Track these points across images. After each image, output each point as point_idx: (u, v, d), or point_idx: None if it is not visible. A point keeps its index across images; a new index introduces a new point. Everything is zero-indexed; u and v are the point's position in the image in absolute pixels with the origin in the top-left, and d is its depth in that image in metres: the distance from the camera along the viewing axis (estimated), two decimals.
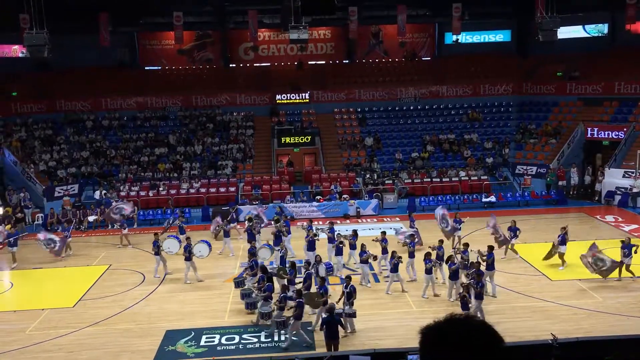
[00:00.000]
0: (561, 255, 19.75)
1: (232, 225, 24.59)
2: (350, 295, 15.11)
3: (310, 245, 19.95)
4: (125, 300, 18.17)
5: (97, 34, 34.40)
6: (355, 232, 20.45)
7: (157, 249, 20.03)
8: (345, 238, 19.92)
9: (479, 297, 15.28)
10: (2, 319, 17.15)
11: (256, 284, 16.82)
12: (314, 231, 20.40)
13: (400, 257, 18.06)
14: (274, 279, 17.41)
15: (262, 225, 23.51)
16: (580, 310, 16.17)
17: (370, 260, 18.63)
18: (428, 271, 17.40)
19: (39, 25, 26.47)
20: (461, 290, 15.40)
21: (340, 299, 15.39)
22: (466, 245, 18.61)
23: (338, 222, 27.23)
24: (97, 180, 31.86)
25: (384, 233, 20.20)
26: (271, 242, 20.62)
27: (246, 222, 22.25)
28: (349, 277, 15.82)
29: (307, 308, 15.44)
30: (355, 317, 15.10)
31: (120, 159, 33.82)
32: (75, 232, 27.02)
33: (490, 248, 18.10)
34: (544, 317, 15.82)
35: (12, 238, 22.64)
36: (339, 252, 19.48)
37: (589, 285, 17.95)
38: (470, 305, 14.94)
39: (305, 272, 16.91)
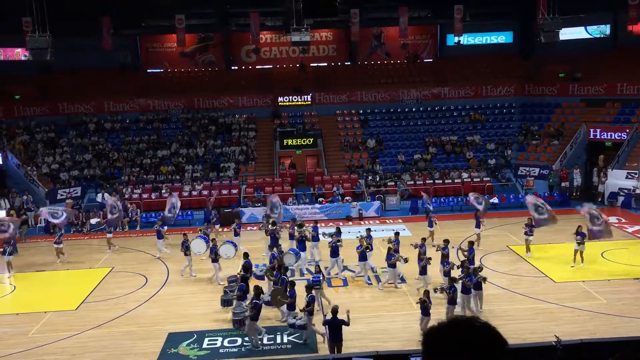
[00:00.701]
0: (580, 253, 19.80)
1: (215, 227, 24.67)
2: (307, 304, 14.70)
3: (334, 252, 19.33)
4: (128, 303, 18.16)
5: (100, 37, 34.48)
6: (338, 229, 20.65)
7: (185, 249, 20.11)
8: (365, 241, 19.40)
9: (452, 302, 14.96)
10: (5, 322, 17.16)
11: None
12: (339, 237, 19.75)
13: (429, 259, 17.78)
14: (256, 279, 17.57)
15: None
16: (584, 312, 16.11)
17: (400, 263, 18.15)
18: (446, 273, 17.42)
19: (41, 28, 26.54)
20: (422, 296, 15.06)
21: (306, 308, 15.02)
22: (446, 241, 18.79)
23: (341, 223, 27.22)
24: (100, 183, 31.89)
25: (368, 230, 20.43)
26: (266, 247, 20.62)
27: (269, 225, 21.78)
28: (309, 287, 15.31)
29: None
30: (304, 329, 14.73)
31: (123, 161, 33.86)
32: (78, 235, 27.10)
33: (471, 243, 18.72)
34: (548, 318, 15.76)
35: (9, 247, 21.65)
36: (363, 257, 18.83)
37: (592, 287, 17.89)
38: (430, 311, 14.40)
39: (280, 277, 16.76)
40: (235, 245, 20.86)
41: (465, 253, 18.35)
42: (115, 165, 33.63)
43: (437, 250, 18.46)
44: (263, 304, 15.23)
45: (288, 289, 15.53)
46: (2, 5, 31.49)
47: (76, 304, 18.33)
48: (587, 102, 34.90)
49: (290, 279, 16.68)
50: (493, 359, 2.22)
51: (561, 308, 16.46)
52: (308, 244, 20.59)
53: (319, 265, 17.46)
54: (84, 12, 33.32)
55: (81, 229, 27.99)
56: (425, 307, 14.31)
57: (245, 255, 18.61)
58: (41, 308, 18.00)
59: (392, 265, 18.08)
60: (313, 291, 15.37)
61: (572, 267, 19.79)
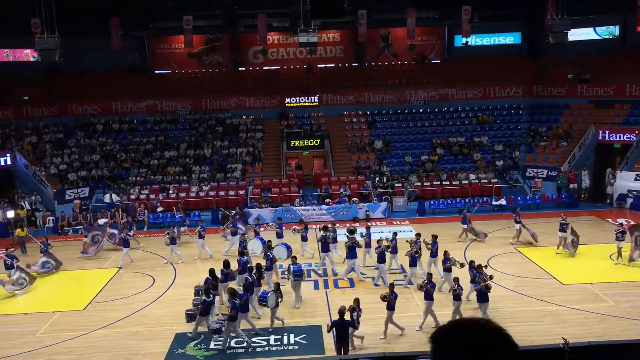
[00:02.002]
0: (619, 250, 20.11)
1: (183, 229, 24.57)
2: (229, 310, 14.69)
3: (381, 257, 18.62)
4: (135, 303, 18.22)
5: (108, 38, 34.64)
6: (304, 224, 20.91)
7: (242, 249, 20.06)
8: (387, 241, 19.28)
9: (390, 308, 14.80)
10: (13, 322, 17.26)
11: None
12: (386, 242, 19.04)
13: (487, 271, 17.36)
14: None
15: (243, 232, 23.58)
16: (591, 314, 16.02)
17: (456, 267, 17.33)
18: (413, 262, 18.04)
19: (50, 30, 26.66)
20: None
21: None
22: (418, 235, 19.64)
23: (344, 224, 27.18)
24: (108, 184, 32.01)
25: (395, 234, 20.40)
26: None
27: (321, 231, 20.78)
28: (233, 293, 15.00)
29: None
30: (217, 333, 14.90)
31: (131, 162, 33.97)
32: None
33: (434, 237, 19.07)
34: (555, 321, 15.69)
35: (10, 260, 19.90)
36: (414, 262, 18.53)
37: (600, 289, 17.78)
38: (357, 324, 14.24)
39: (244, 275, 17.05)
40: (288, 248, 20.84)
41: (429, 245, 18.82)
42: (123, 166, 33.74)
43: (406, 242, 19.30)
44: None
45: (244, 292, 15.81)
46: (11, 6, 31.69)
47: (84, 304, 18.42)
48: (595, 103, 34.71)
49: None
50: None
51: (569, 310, 16.37)
52: (360, 250, 19.83)
53: (278, 283, 16.59)
54: (93, 13, 33.52)
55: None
56: (351, 320, 14.02)
57: (241, 253, 18.92)
58: (49, 308, 18.10)
59: (448, 270, 17.55)
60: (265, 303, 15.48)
61: (616, 264, 20.00)
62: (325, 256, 20.10)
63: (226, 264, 17.58)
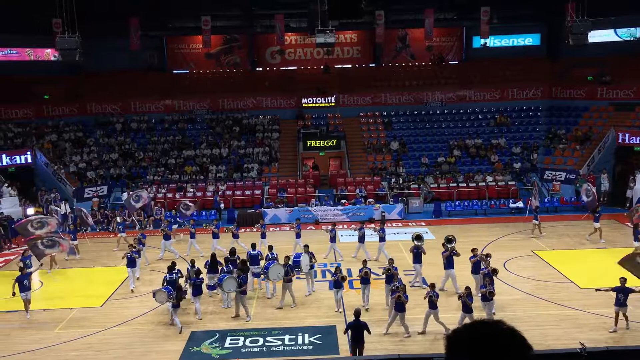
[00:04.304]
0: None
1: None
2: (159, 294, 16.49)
3: (449, 263, 17.86)
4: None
5: (127, 38, 34.96)
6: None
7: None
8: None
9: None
10: (32, 318, 17.47)
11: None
12: (450, 249, 17.98)
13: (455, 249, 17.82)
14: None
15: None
16: (609, 319, 15.81)
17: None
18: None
19: (71, 30, 26.99)
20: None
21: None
22: (383, 223, 22.01)
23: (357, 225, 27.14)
24: (126, 182, 32.31)
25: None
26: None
27: (414, 241, 18.69)
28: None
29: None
30: (153, 296, 16.47)
31: (148, 161, 34.26)
32: (104, 232, 27.49)
33: (382, 223, 21.74)
34: (573, 325, 15.55)
35: (22, 278, 17.58)
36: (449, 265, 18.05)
37: None
38: None
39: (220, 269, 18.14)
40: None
41: (377, 230, 21.10)
42: (141, 165, 34.04)
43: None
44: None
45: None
46: (33, 6, 32.14)
47: (101, 301, 18.63)
48: (615, 105, 34.28)
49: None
50: None
51: (586, 314, 16.21)
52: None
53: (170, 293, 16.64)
54: (113, 13, 33.83)
55: (107, 227, 28.39)
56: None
57: (253, 246, 19.40)
58: (67, 304, 18.33)
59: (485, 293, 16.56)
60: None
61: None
62: (419, 267, 18.70)
63: (232, 252, 18.69)
